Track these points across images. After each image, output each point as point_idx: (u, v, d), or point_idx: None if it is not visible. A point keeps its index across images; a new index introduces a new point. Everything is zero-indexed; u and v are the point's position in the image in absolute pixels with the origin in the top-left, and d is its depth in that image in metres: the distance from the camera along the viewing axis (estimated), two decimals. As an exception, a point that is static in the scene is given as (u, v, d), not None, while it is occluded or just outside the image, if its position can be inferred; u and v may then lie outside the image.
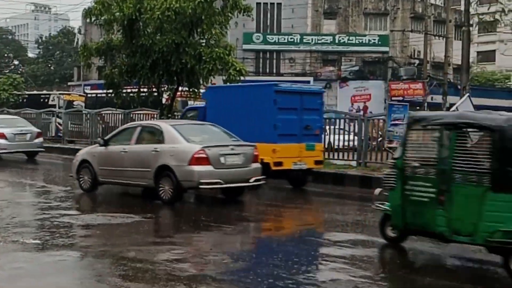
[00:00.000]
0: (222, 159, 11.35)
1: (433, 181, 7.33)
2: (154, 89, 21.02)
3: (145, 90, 21.26)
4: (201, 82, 21.05)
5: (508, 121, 7.14)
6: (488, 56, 57.95)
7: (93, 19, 20.81)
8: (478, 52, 57.67)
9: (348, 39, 42.34)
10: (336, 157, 17.75)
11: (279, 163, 13.65)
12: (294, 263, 7.17)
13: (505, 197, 6.67)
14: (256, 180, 11.81)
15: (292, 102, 14.18)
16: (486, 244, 6.90)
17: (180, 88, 21.55)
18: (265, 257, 7.43)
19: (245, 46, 41.34)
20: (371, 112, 33.30)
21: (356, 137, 17.46)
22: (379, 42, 42.36)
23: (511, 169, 6.71)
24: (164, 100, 21.92)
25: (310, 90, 16.35)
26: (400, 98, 36.37)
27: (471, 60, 31.94)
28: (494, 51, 56.59)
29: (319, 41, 42.28)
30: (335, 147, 18.25)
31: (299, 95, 14.53)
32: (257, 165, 12.07)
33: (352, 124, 18.34)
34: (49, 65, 72.36)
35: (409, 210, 7.64)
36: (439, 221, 7.20)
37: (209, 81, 21.28)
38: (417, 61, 42.74)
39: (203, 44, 19.95)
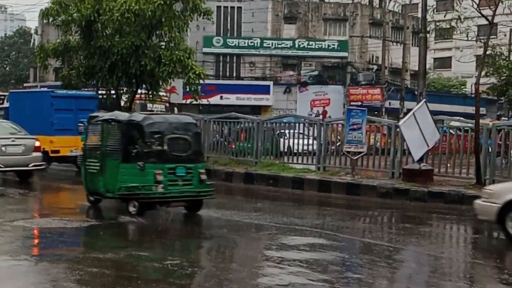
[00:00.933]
0: (3, 149, 14.84)
1: (98, 158, 10.79)
2: (112, 91, 20.80)
3: (103, 92, 21.01)
4: (161, 84, 20.93)
5: (131, 117, 10.66)
6: (444, 63, 59.01)
7: (50, 19, 20.51)
8: (435, 59, 58.69)
9: (308, 44, 42.60)
10: (295, 161, 17.83)
11: (56, 151, 17.74)
12: (253, 267, 7.16)
13: (127, 166, 10.26)
14: (34, 165, 15.31)
15: (67, 104, 18.22)
16: (118, 197, 10.48)
17: (139, 91, 21.36)
18: (223, 262, 7.40)
19: (205, 49, 41.21)
20: (330, 117, 33.56)
21: (315, 142, 17.57)
22: (338, 48, 42.74)
23: (130, 148, 10.27)
24: (122, 103, 21.69)
25: (85, 95, 19.97)
26: (359, 103, 36.76)
27: (428, 66, 32.49)
28: (450, 57, 57.64)
29: (279, 46, 42.42)
30: (295, 151, 18.34)
31: (74, 99, 18.64)
32: (37, 153, 15.53)
33: (311, 128, 18.44)
34: (5, 66, 70.85)
35: (89, 179, 10.94)
36: (101, 185, 10.64)
37: (169, 83, 21.19)
38: (375, 67, 43.26)
39: (163, 47, 19.84)
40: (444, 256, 8.36)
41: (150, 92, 20.91)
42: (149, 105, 25.05)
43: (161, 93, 24.21)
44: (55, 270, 6.64)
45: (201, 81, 20.30)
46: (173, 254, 7.67)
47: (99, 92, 20.95)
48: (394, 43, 43.27)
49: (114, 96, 20.99)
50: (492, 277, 7.30)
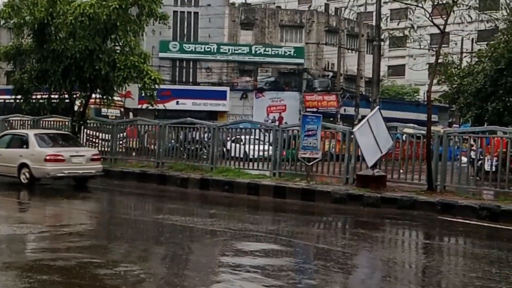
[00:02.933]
0: None
1: None
2: (65, 96, 20.47)
3: (56, 96, 20.66)
4: (116, 89, 20.70)
5: None
6: (398, 70, 60.07)
7: (2, 22, 20.07)
8: (388, 66, 59.71)
9: (265, 50, 42.80)
10: (251, 166, 17.87)
11: None
12: (207, 273, 7.13)
13: None
14: None
15: None
16: None
17: (93, 95, 21.08)
18: (178, 268, 7.35)
19: (162, 54, 40.99)
20: (286, 123, 33.76)
21: (271, 147, 17.64)
22: (295, 54, 43.07)
23: None
24: (76, 107, 21.36)
25: None
26: (315, 109, 37.08)
27: (382, 73, 33.04)
28: (403, 65, 58.72)
29: (236, 51, 42.51)
30: (251, 157, 18.38)
31: None
32: None
33: (267, 134, 18.51)
34: (-46, 69, 68.95)
35: None
36: None
37: (124, 88, 20.97)
38: (331, 74, 43.74)
39: (118, 51, 19.62)
40: (396, 261, 8.49)
41: (104, 97, 20.64)
42: (104, 110, 24.72)
43: (116, 98, 23.91)
44: (3, 278, 6.48)
45: (157, 86, 20.15)
46: (126, 260, 7.58)
47: (52, 96, 20.56)
48: (349, 51, 43.85)
49: (68, 100, 20.65)
50: (443, 281, 7.44)
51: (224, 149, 19.16)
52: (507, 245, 10.16)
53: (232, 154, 18.81)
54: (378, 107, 16.18)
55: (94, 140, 21.70)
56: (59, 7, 18.24)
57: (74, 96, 20.75)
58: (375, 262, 8.57)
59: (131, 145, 21.21)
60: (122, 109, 30.17)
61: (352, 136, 15.54)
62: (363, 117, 16.52)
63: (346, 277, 7.45)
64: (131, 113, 33.44)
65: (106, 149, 20.92)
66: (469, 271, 8.01)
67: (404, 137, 16.60)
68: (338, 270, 7.58)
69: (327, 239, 10.32)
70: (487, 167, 16.15)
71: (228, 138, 19.55)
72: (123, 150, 21.18)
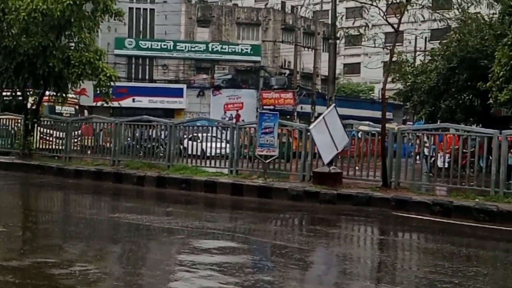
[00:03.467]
0: None
1: None
2: (18, 93, 20.07)
3: (9, 93, 20.25)
4: (70, 86, 20.42)
5: None
6: (353, 68, 60.82)
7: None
8: (344, 64, 60.40)
9: (221, 48, 42.80)
10: (208, 164, 17.85)
11: None
12: (164, 271, 7.10)
13: None
14: None
15: None
16: None
17: (47, 93, 20.73)
18: (134, 267, 7.29)
19: (117, 51, 40.57)
20: (243, 120, 33.81)
21: (228, 145, 17.65)
22: (252, 52, 43.19)
23: None
24: (29, 105, 20.96)
25: None
26: (272, 107, 37.25)
27: (337, 71, 33.37)
28: (359, 63, 59.49)
29: (193, 49, 42.40)
30: (208, 154, 18.36)
31: None
32: None
33: (224, 132, 18.51)
34: None
35: None
36: None
37: (78, 85, 20.70)
38: (287, 71, 44.02)
39: (72, 48, 19.37)
40: (352, 257, 8.60)
41: (58, 94, 20.32)
42: (58, 108, 24.32)
43: (70, 95, 23.57)
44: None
45: (112, 84, 19.94)
46: (81, 259, 7.48)
47: (4, 93, 20.14)
48: (306, 49, 44.18)
49: (20, 98, 20.26)
50: (397, 275, 7.57)
51: (181, 147, 19.08)
52: (459, 239, 10.41)
53: (189, 152, 18.76)
54: (334, 104, 16.35)
55: (48, 138, 21.33)
56: (11, 3, 17.89)
57: (27, 93, 20.38)
58: (332, 258, 8.67)
59: (86, 143, 20.92)
60: (77, 107, 29.76)
61: (309, 133, 15.67)
62: (320, 114, 16.67)
63: (302, 273, 7.51)
64: (86, 111, 33.00)
65: (60, 147, 20.59)
66: (422, 265, 8.18)
67: (359, 134, 16.81)
68: (295, 266, 7.64)
69: (284, 236, 10.37)
70: (439, 163, 16.49)
71: (185, 136, 19.48)
72: (78, 148, 20.88)
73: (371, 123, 17.48)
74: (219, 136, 18.76)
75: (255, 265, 7.81)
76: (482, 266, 8.30)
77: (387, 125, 15.78)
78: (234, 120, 35.46)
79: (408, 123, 39.41)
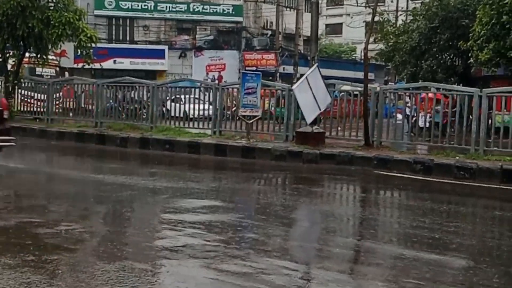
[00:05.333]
0: None
1: None
2: (-2, 55, 19.81)
3: (-12, 55, 19.99)
4: (50, 48, 20.17)
5: None
6: (335, 29, 60.54)
7: None
8: (326, 25, 60.04)
9: (203, 8, 42.31)
10: (191, 126, 17.86)
11: None
12: (149, 230, 7.18)
13: None
14: None
15: None
16: None
17: (27, 54, 20.48)
18: (118, 226, 7.36)
19: (97, 12, 39.95)
20: (225, 82, 33.69)
21: (211, 106, 17.64)
22: (233, 12, 42.77)
23: None
24: (9, 67, 20.70)
25: None
26: (254, 68, 37.11)
27: (320, 32, 33.20)
28: (341, 24, 59.18)
29: (174, 9, 41.87)
30: (191, 116, 18.35)
31: None
32: None
33: (207, 93, 18.47)
34: None
35: None
36: None
37: (59, 47, 20.45)
38: (269, 32, 43.72)
39: (52, 8, 19.05)
40: (335, 214, 8.74)
41: (38, 56, 20.07)
42: (38, 70, 24.04)
43: (50, 57, 23.30)
44: None
45: (93, 45, 19.71)
46: (67, 219, 7.52)
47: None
48: (288, 9, 43.83)
49: (0, 59, 19.99)
50: (379, 231, 7.72)
51: (164, 109, 19.03)
52: (439, 196, 10.61)
53: (172, 114, 18.73)
54: (316, 64, 16.35)
55: (29, 100, 21.14)
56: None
57: (7, 55, 20.10)
58: (315, 215, 8.80)
59: (67, 106, 20.76)
60: (58, 69, 29.45)
61: (292, 93, 15.70)
62: (302, 75, 16.68)
63: (286, 230, 7.62)
64: (66, 73, 32.64)
65: (41, 109, 20.43)
66: (404, 222, 8.34)
67: (341, 94, 16.87)
68: (279, 224, 7.75)
69: (267, 195, 10.49)
70: (421, 123, 16.65)
71: (168, 98, 19.42)
72: (60, 110, 20.74)
73: (353, 83, 17.53)
74: (201, 97, 18.71)
75: (239, 223, 7.91)
76: (462, 222, 8.49)
77: (369, 85, 15.85)
78: (216, 82, 35.30)
79: (390, 83, 39.52)
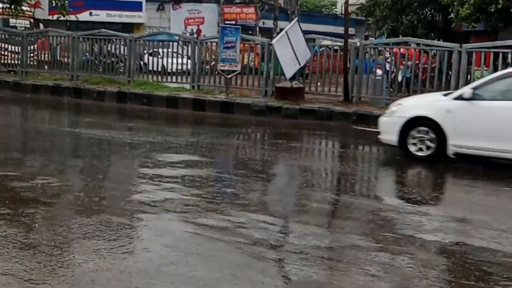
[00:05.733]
0: None
1: None
2: (-30, 5, 19.28)
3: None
4: (24, -2, 19.67)
5: None
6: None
7: None
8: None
9: (182, -40, 41.42)
10: (169, 80, 17.65)
11: None
12: (127, 184, 7.13)
13: None
14: None
15: None
16: None
17: (0, 5, 19.95)
18: (96, 180, 7.30)
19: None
20: (204, 36, 33.25)
21: (189, 60, 17.42)
22: (213, -36, 41.93)
23: None
24: (-18, 18, 20.18)
25: None
26: (233, 22, 36.63)
27: (300, -14, 32.76)
28: (322, -22, 58.35)
29: (152, -40, 40.92)
30: (169, 70, 18.12)
31: None
32: None
33: (185, 47, 18.21)
34: None
35: None
36: None
37: (33, -3, 19.92)
38: (249, -15, 43.02)
39: (25, -43, 18.50)
40: (313, 169, 8.75)
41: (12, 7, 19.56)
42: (12, 21, 23.46)
43: (24, 8, 22.73)
44: None
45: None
46: (42, 172, 7.43)
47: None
48: (268, -39, 43.06)
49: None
50: (357, 186, 7.76)
51: (141, 63, 18.75)
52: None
53: (150, 68, 18.47)
54: (296, 19, 16.15)
55: (2, 52, 20.67)
56: None
57: (-21, 5, 19.57)
58: (293, 170, 8.81)
59: (42, 58, 20.35)
60: (32, 20, 28.74)
61: (271, 48, 15.53)
62: (282, 30, 16.46)
63: (265, 185, 7.63)
64: (41, 24, 31.91)
65: (16, 61, 20.02)
66: (381, 177, 8.39)
67: (321, 49, 16.73)
68: (258, 179, 7.74)
69: (246, 150, 10.48)
70: (400, 78, 16.62)
71: (145, 51, 19.12)
72: (35, 63, 20.33)
73: (333, 38, 17.36)
74: (180, 51, 18.45)
75: (218, 178, 7.91)
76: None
77: (349, 40, 15.71)
78: (195, 35, 34.82)
79: (370, 38, 39.36)
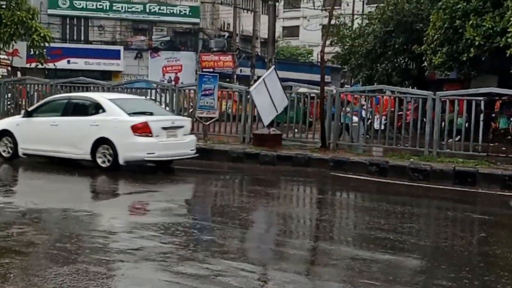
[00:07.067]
0: None
1: None
2: None
3: None
4: (2, 47, 19.71)
5: None
6: (292, 32, 60.84)
7: None
8: (283, 27, 60.34)
9: (159, 9, 41.93)
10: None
11: None
12: (105, 232, 7.06)
13: None
14: None
15: None
16: None
17: (-23, 53, 19.96)
18: (72, 229, 7.22)
19: (51, 11, 39.15)
20: (182, 83, 33.46)
21: (167, 108, 17.47)
22: (190, 13, 42.50)
23: None
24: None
25: None
26: (211, 70, 36.96)
27: (277, 34, 33.34)
28: (298, 26, 59.52)
29: (130, 9, 41.35)
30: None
31: None
32: None
33: (163, 94, 18.30)
34: None
35: None
36: None
37: (11, 46, 20.00)
38: (227, 34, 43.62)
39: (4, 7, 18.62)
40: (292, 216, 8.76)
41: (-11, 55, 19.59)
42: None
43: (2, 56, 22.78)
44: None
45: (47, 44, 19.33)
46: (18, 221, 7.33)
47: None
48: (245, 11, 43.84)
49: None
50: (335, 232, 7.76)
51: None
52: (394, 198, 10.74)
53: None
54: (273, 67, 16.38)
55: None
56: None
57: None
58: (272, 217, 8.80)
59: (20, 105, 20.23)
60: (9, 68, 28.77)
61: (249, 96, 15.69)
62: (259, 77, 16.68)
63: (243, 232, 7.61)
64: (19, 72, 31.93)
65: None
66: (359, 223, 8.41)
67: (298, 96, 16.94)
68: (236, 226, 7.73)
69: (224, 197, 10.46)
70: (376, 125, 16.84)
71: (124, 98, 19.13)
72: (12, 111, 20.21)
73: (310, 85, 17.61)
74: (158, 98, 18.52)
75: (196, 225, 7.86)
76: (415, 222, 8.61)
77: (325, 88, 15.94)
78: (173, 83, 35.03)
79: (346, 86, 39.93)
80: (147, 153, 11.97)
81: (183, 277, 5.31)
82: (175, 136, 12.52)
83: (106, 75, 37.02)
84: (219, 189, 11.47)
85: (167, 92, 17.74)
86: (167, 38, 42.52)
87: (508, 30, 15.57)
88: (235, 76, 40.14)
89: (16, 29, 18.27)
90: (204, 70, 37.28)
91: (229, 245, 6.67)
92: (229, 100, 17.97)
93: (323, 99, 15.17)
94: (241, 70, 41.12)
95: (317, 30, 42.50)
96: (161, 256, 5.96)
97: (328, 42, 17.06)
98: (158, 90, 18.97)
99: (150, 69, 41.13)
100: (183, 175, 12.71)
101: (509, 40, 15.57)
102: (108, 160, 11.93)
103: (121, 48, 40.45)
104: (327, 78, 36.35)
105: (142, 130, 11.87)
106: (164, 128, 12.26)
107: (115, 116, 12.13)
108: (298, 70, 43.70)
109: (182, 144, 12.61)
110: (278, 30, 45.06)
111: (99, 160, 11.98)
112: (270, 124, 15.19)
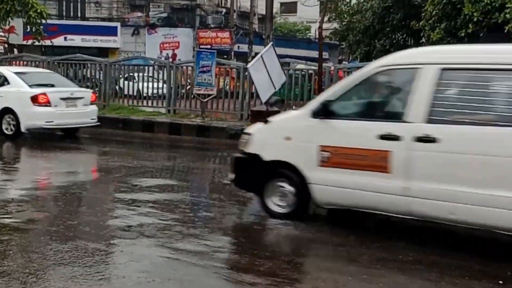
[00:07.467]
0: None
1: None
2: None
3: None
4: (-2, 24, 19.62)
5: None
6: (290, 8, 60.43)
7: None
8: (281, 3, 59.92)
9: (156, -15, 41.66)
10: (145, 104, 17.66)
11: None
12: (103, 209, 7.09)
13: None
14: None
15: None
16: None
17: (-27, 30, 19.86)
18: (72, 206, 7.26)
19: (47, -13, 38.85)
20: (179, 60, 33.36)
21: (165, 85, 17.46)
22: (188, -11, 42.22)
23: None
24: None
25: None
26: (208, 46, 36.82)
27: (274, 10, 33.13)
28: (295, 2, 59.08)
29: (126, -15, 41.08)
30: (144, 94, 18.14)
31: None
32: None
33: (161, 71, 18.27)
34: None
35: None
36: None
37: (7, 23, 19.90)
38: (224, 10, 43.39)
39: (-1, -17, 18.48)
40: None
41: (-14, 32, 19.49)
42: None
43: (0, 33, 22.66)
44: None
45: (43, 21, 19.22)
46: (17, 198, 7.37)
47: None
48: (243, -13, 43.53)
49: None
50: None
51: (117, 87, 18.74)
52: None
53: (125, 92, 18.47)
54: (271, 43, 16.30)
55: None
56: None
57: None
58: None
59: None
60: (6, 45, 28.63)
61: (247, 73, 15.65)
62: (257, 54, 16.62)
63: (241, 208, 7.65)
64: (15, 49, 31.77)
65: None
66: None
67: (296, 73, 16.91)
68: (234, 202, 7.76)
69: (222, 174, 10.47)
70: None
71: (121, 76, 19.12)
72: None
73: (307, 62, 17.56)
74: (155, 75, 18.49)
75: (194, 202, 7.90)
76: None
77: (323, 64, 15.92)
78: (170, 60, 34.91)
79: (343, 62, 39.79)
80: (46, 122, 13.13)
81: (181, 253, 5.34)
82: (75, 106, 13.63)
83: (103, 52, 36.89)
84: (217, 166, 11.49)
85: (165, 69, 17.70)
86: (164, 15, 42.28)
87: (507, 5, 15.49)
88: (232, 53, 40.00)
89: (12, 5, 18.14)
90: (201, 46, 37.14)
91: (226, 221, 6.70)
92: (226, 77, 17.93)
93: (321, 76, 15.14)
94: (238, 46, 40.95)
95: (315, 6, 42.24)
96: (160, 232, 6.00)
97: (326, 18, 16.97)
98: (155, 67, 18.93)
99: (147, 45, 40.94)
100: (180, 151, 12.73)
101: (507, 15, 15.50)
102: (11, 129, 13.14)
103: (118, 24, 40.21)
104: (325, 55, 36.29)
105: (41, 100, 13.01)
106: (63, 99, 13.36)
107: (17, 88, 13.26)
108: (296, 46, 43.56)
109: (82, 113, 13.74)
110: (276, 6, 44.71)
111: (4, 128, 13.18)
112: (275, 102, 15.15)
